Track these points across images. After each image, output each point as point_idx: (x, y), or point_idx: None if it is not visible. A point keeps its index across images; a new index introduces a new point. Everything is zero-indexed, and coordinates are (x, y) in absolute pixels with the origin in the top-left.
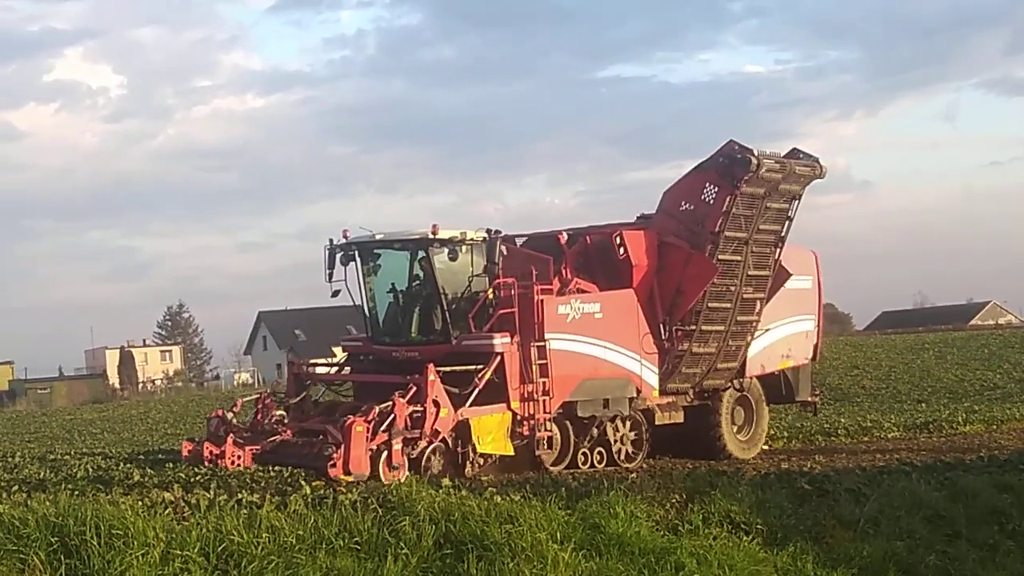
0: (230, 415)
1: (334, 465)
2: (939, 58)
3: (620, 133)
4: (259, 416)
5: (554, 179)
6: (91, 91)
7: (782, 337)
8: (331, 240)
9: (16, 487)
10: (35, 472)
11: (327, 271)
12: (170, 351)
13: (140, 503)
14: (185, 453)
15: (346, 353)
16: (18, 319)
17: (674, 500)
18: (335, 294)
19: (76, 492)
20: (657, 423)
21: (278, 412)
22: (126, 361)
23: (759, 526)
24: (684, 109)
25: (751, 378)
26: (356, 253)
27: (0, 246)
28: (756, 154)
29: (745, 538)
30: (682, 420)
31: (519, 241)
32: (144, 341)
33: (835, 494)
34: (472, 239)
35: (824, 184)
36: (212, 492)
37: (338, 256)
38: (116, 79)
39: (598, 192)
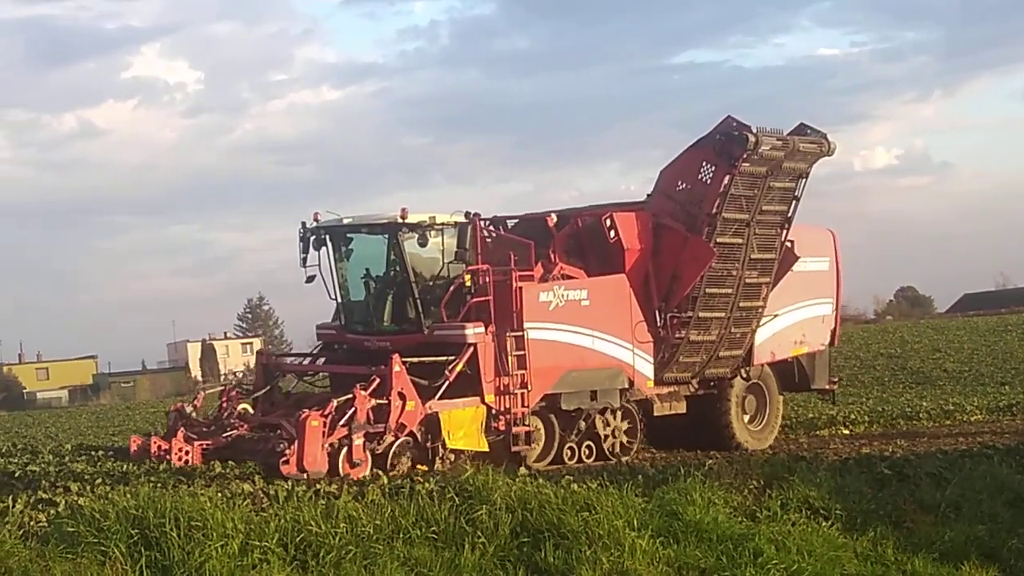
0: (189, 408)
1: (287, 462)
2: (1017, 37)
3: (693, 119)
4: (222, 409)
5: (627, 166)
6: (168, 87)
7: (795, 323)
8: (303, 223)
9: (99, 480)
10: (118, 465)
11: (301, 255)
12: (251, 343)
13: (219, 495)
14: (133, 448)
15: (320, 342)
16: (101, 314)
17: (752, 486)
18: (310, 279)
19: (158, 484)
20: (656, 414)
21: (242, 406)
22: (208, 354)
23: (838, 511)
24: (757, 94)
25: (762, 366)
26: (327, 237)
27: (82, 242)
28: (755, 131)
29: (824, 524)
30: (684, 410)
31: (511, 223)
32: (225, 334)
33: (916, 478)
34: (443, 223)
35: (902, 166)
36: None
37: (311, 241)
38: (193, 74)
39: None
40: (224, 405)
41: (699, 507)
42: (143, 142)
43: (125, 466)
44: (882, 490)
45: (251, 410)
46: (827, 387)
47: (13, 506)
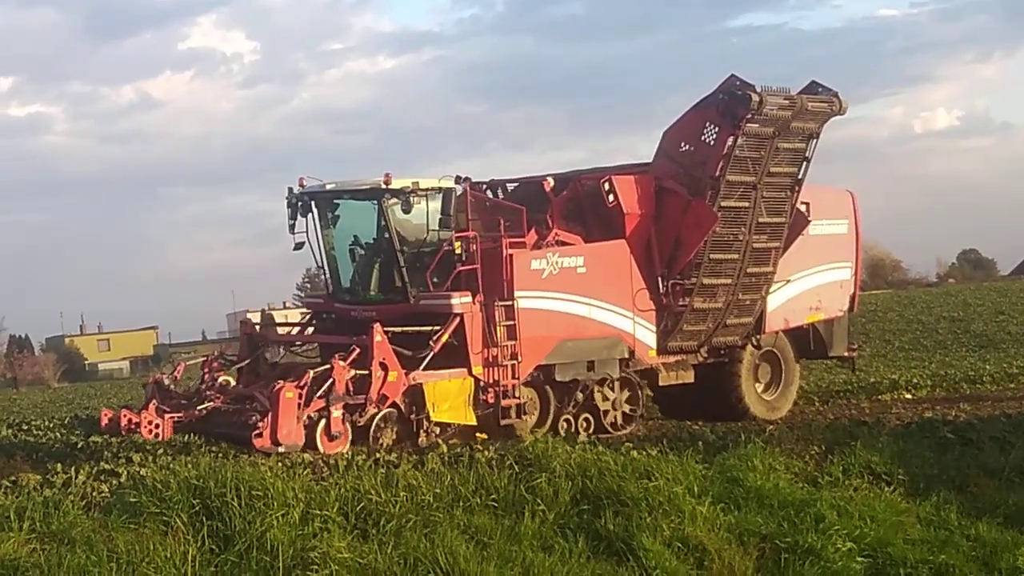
0: (167, 380)
1: (259, 435)
2: None
3: (752, 82)
4: (204, 381)
5: None
6: (225, 58)
7: (809, 288)
8: (290, 189)
9: (161, 450)
10: (179, 437)
11: (289, 222)
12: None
13: (279, 464)
14: (104, 422)
15: (308, 311)
16: (161, 285)
17: (813, 452)
18: (298, 247)
19: (219, 455)
20: (662, 384)
21: (224, 377)
22: (268, 324)
23: (901, 477)
24: (817, 56)
25: (776, 333)
26: (312, 204)
27: (141, 214)
28: (759, 90)
29: (887, 489)
30: (692, 380)
31: (510, 187)
32: (284, 303)
33: (979, 442)
34: (428, 188)
35: (964, 127)
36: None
37: (298, 207)
38: (249, 45)
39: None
40: (206, 376)
41: (760, 473)
42: (200, 113)
43: (186, 437)
44: (945, 455)
45: (233, 382)
46: (846, 354)
47: (76, 477)
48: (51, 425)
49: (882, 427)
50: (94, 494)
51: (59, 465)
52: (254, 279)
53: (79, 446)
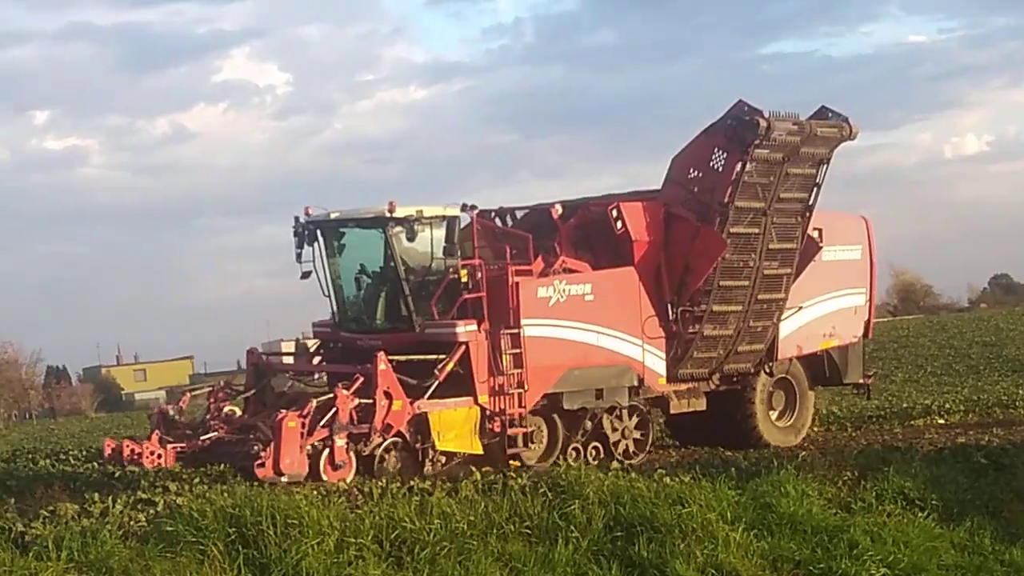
0: (171, 411)
1: (262, 465)
2: None
3: (782, 109)
4: (209, 411)
5: None
6: (258, 89)
7: (823, 314)
8: (296, 218)
9: (197, 479)
10: (216, 466)
11: (296, 251)
12: None
13: (314, 492)
14: (107, 452)
15: (317, 340)
16: (196, 315)
17: (846, 477)
18: (305, 276)
19: (254, 483)
20: (673, 412)
21: (229, 407)
22: (301, 353)
23: (934, 502)
24: (847, 82)
25: (790, 360)
26: (317, 232)
27: (177, 245)
28: (767, 115)
29: (920, 514)
30: (704, 408)
31: (519, 214)
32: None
33: (1013, 468)
34: (431, 216)
35: (994, 152)
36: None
37: (305, 236)
38: (282, 76)
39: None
40: (211, 407)
41: (793, 499)
42: (234, 145)
43: (222, 465)
44: (978, 480)
45: (239, 412)
46: (861, 381)
47: (113, 506)
48: (88, 455)
49: (915, 452)
50: (131, 523)
51: (96, 495)
52: (289, 308)
53: (116, 475)
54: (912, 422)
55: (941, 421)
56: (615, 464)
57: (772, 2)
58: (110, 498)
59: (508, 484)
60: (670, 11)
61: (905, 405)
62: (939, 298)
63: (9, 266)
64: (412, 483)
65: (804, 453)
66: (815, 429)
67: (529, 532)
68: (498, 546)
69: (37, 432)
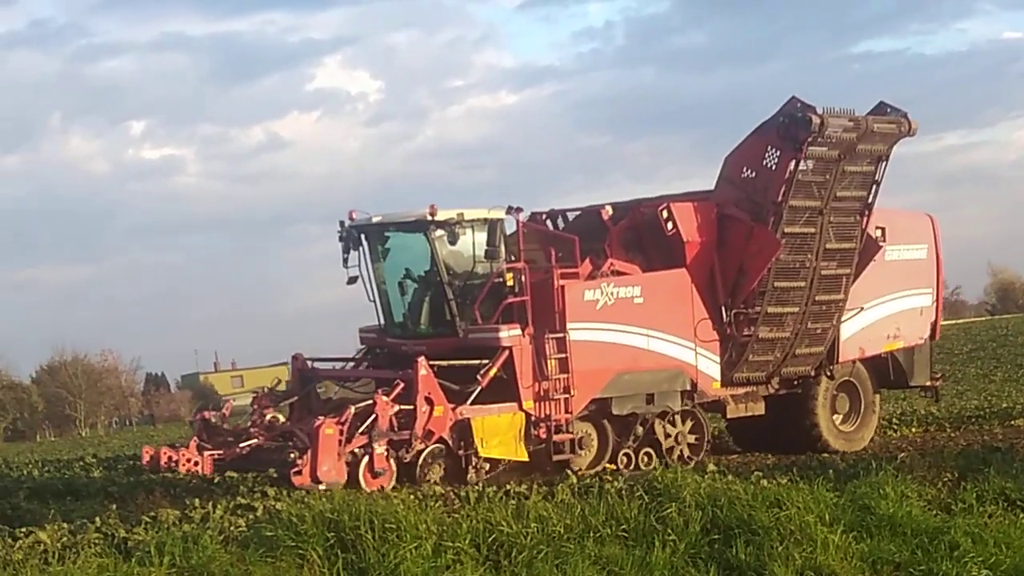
0: (214, 418)
1: (299, 472)
2: None
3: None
4: (255, 418)
5: None
6: (350, 97)
7: (887, 315)
8: (341, 223)
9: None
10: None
11: (343, 256)
12: None
13: (412, 497)
14: (146, 459)
15: (364, 346)
16: (291, 322)
17: (946, 479)
18: (351, 281)
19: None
20: (730, 416)
21: (272, 414)
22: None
23: None
24: (940, 80)
25: (853, 362)
26: (361, 237)
27: (271, 252)
28: (820, 112)
29: (1022, 515)
30: (762, 412)
31: (571, 216)
32: None
33: None
34: (473, 219)
35: None
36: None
37: (349, 241)
38: (374, 84)
39: None
40: (255, 413)
41: (892, 501)
42: (327, 152)
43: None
44: None
45: (282, 419)
46: (928, 384)
47: (213, 511)
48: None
49: (1016, 453)
50: (231, 528)
51: (197, 500)
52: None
53: (215, 481)
54: (1012, 422)
55: None
56: (711, 467)
57: (863, 1)
58: (210, 503)
59: (604, 487)
60: (759, 12)
61: (1005, 405)
62: None
63: (108, 276)
64: (508, 487)
65: (903, 454)
66: (913, 430)
67: (626, 535)
68: (595, 549)
69: (137, 439)
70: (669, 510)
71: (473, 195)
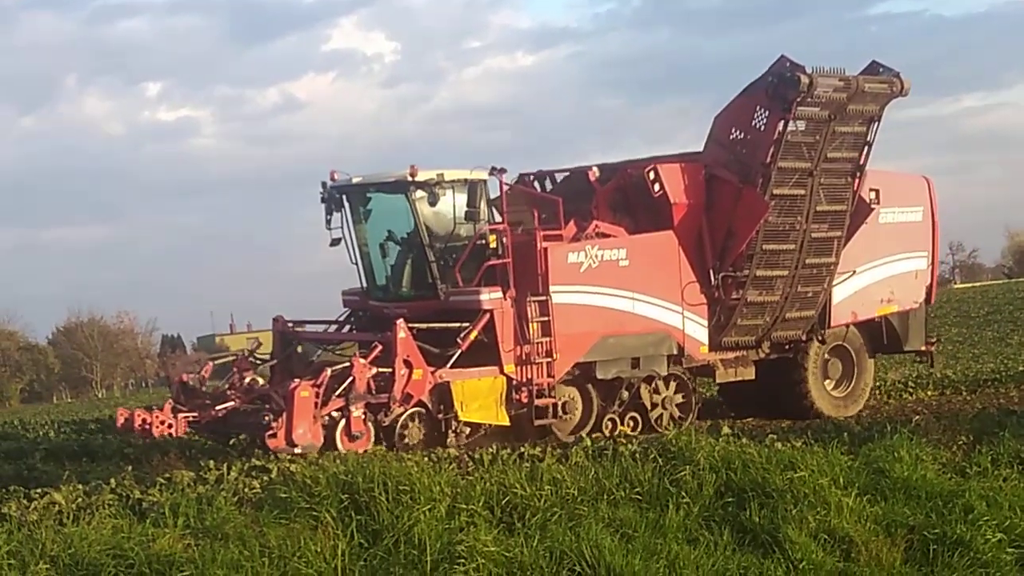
0: (191, 380)
1: (274, 435)
2: None
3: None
4: (234, 380)
5: None
6: (366, 58)
7: (881, 279)
8: (323, 183)
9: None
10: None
11: (325, 217)
12: None
13: (425, 459)
14: (120, 422)
15: (347, 309)
16: (307, 283)
17: (960, 442)
18: (334, 243)
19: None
20: (719, 381)
21: (251, 376)
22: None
23: None
24: (959, 42)
25: (847, 327)
26: (342, 198)
27: (289, 214)
28: (809, 71)
29: None
30: (752, 377)
31: (559, 178)
32: None
33: None
34: (453, 180)
35: None
36: None
37: (331, 202)
38: (390, 45)
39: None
40: (235, 376)
41: (906, 464)
42: (343, 113)
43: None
44: None
45: (262, 381)
46: (923, 348)
47: (228, 473)
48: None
49: None
50: (246, 490)
51: (212, 462)
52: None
53: (231, 443)
54: None
55: None
56: (726, 429)
57: None
58: (225, 465)
59: (618, 450)
60: None
61: (1021, 368)
62: None
63: (124, 237)
64: (522, 449)
65: (918, 417)
66: (929, 393)
67: (640, 498)
68: (609, 512)
69: (153, 400)
70: (683, 473)
71: (489, 156)
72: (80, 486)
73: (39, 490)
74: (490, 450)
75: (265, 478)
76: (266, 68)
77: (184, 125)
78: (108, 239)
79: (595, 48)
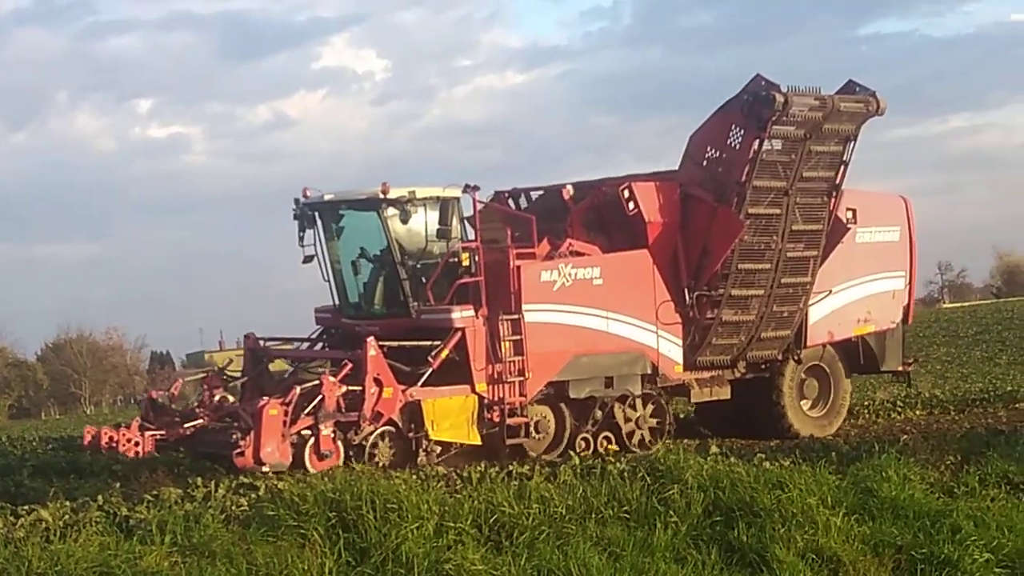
0: (160, 397)
1: (241, 454)
2: None
3: (881, 90)
4: (204, 398)
5: None
6: (357, 76)
7: (857, 299)
8: (296, 200)
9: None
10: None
11: (298, 234)
12: None
13: (414, 477)
14: (87, 440)
15: (319, 326)
16: (297, 300)
17: (948, 462)
18: (307, 260)
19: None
20: (694, 400)
21: (221, 394)
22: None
23: None
24: (947, 63)
25: (823, 347)
26: (315, 215)
27: (279, 231)
28: (784, 90)
29: None
30: (728, 396)
31: (534, 195)
32: None
33: None
34: (424, 197)
35: None
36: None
37: (304, 219)
38: (380, 63)
39: (860, 151)
40: (205, 394)
41: (894, 484)
42: (334, 131)
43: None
44: None
45: (232, 399)
46: (900, 369)
47: (216, 490)
48: None
49: (1019, 436)
50: (233, 507)
51: (199, 479)
52: None
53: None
54: (1016, 405)
55: None
56: (714, 448)
57: None
58: (213, 483)
59: (607, 469)
60: None
61: (1009, 388)
62: None
63: (115, 253)
64: (511, 468)
65: (906, 437)
66: (917, 413)
67: (628, 517)
68: (597, 530)
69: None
70: (671, 492)
71: (479, 175)
72: (67, 503)
73: (26, 507)
74: (478, 468)
75: (253, 495)
76: (257, 85)
77: (175, 142)
78: (98, 255)
79: (586, 66)
